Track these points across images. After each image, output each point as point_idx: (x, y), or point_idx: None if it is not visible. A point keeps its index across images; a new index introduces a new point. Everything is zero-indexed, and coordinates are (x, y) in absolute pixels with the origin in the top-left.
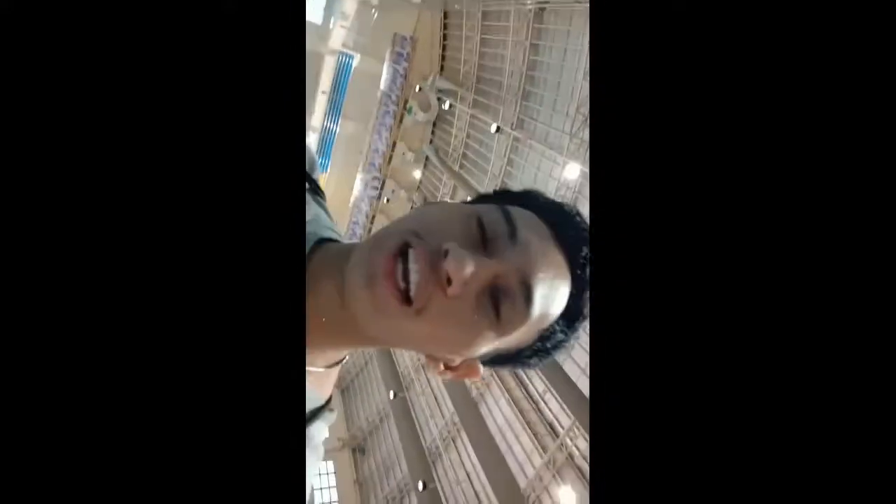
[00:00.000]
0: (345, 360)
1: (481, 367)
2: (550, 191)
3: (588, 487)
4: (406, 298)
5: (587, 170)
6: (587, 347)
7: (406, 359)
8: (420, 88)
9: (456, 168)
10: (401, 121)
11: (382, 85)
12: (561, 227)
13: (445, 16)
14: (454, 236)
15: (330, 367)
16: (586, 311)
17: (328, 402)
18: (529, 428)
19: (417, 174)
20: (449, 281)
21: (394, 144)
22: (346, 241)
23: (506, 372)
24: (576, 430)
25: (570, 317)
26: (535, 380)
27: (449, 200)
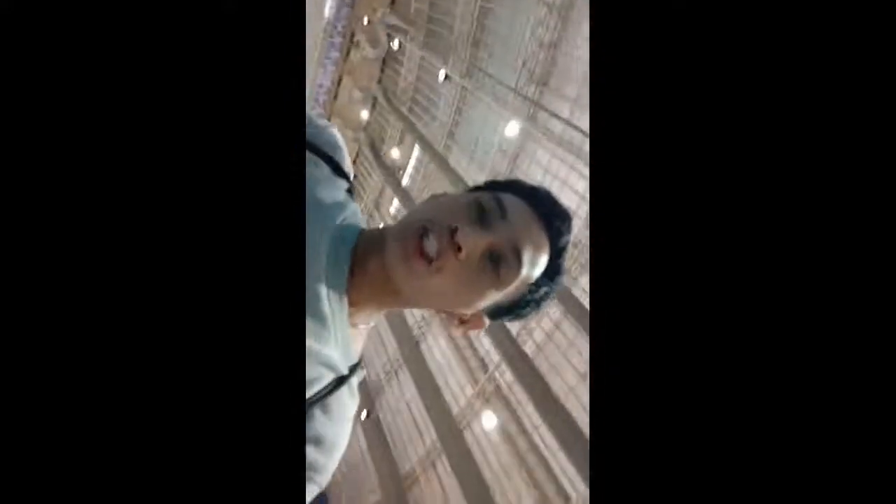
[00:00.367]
0: (372, 326)
1: (486, 319)
2: (494, 145)
3: (509, 413)
4: (429, 262)
5: (526, 127)
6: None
7: None
8: (369, 21)
9: (405, 112)
10: (347, 54)
11: (327, 12)
12: (539, 206)
13: None
14: (461, 218)
15: (361, 328)
16: (563, 268)
17: (360, 360)
18: (464, 363)
19: (365, 115)
20: (459, 248)
21: (339, 80)
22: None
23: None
24: (504, 365)
25: (551, 273)
26: None
27: (452, 192)
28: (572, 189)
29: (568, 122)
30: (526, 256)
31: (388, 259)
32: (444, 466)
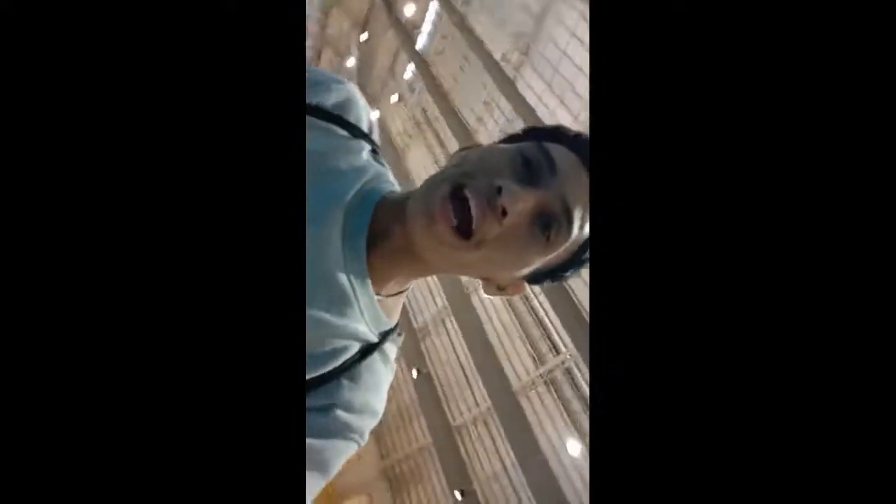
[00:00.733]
0: (408, 290)
1: (526, 285)
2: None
3: (587, 405)
4: (465, 233)
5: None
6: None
7: None
8: None
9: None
10: None
11: None
12: (587, 155)
13: None
14: (503, 174)
15: (393, 295)
16: None
17: (396, 326)
18: (527, 337)
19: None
20: (504, 213)
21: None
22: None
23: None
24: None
25: None
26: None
27: (487, 144)
28: None
29: None
30: (577, 214)
31: (411, 224)
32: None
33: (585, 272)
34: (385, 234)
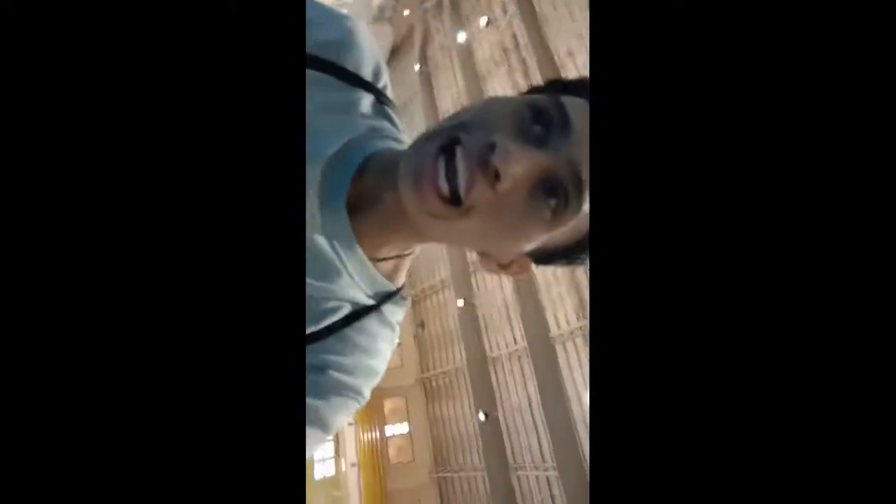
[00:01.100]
0: (412, 254)
1: (533, 265)
2: None
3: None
4: (453, 198)
5: None
6: None
7: None
8: None
9: None
10: None
11: None
12: None
13: None
14: (504, 128)
15: (393, 258)
16: None
17: (399, 289)
18: (575, 287)
19: None
20: (498, 176)
21: None
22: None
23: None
24: None
25: None
26: None
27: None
28: None
29: None
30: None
31: (400, 188)
32: None
33: None
34: (376, 198)
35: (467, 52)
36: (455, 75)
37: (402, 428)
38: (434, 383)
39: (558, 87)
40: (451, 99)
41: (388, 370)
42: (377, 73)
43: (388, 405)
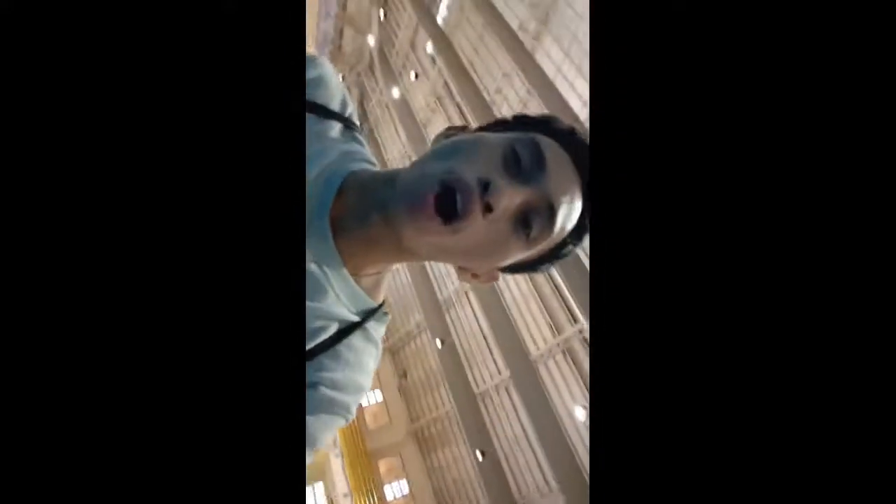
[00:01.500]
0: (390, 270)
1: (500, 273)
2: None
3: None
4: (447, 218)
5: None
6: None
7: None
8: None
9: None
10: None
11: None
12: (577, 153)
13: None
14: (495, 167)
15: (372, 275)
16: (588, 224)
17: (381, 305)
18: (545, 307)
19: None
20: (489, 208)
21: None
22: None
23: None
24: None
25: (578, 232)
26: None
27: (473, 131)
28: None
29: None
30: (561, 214)
31: (395, 212)
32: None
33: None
34: (360, 217)
35: (404, 105)
36: (396, 127)
37: (402, 487)
38: (426, 432)
39: (528, 125)
40: (398, 151)
41: (379, 429)
42: (343, 104)
43: (384, 466)
